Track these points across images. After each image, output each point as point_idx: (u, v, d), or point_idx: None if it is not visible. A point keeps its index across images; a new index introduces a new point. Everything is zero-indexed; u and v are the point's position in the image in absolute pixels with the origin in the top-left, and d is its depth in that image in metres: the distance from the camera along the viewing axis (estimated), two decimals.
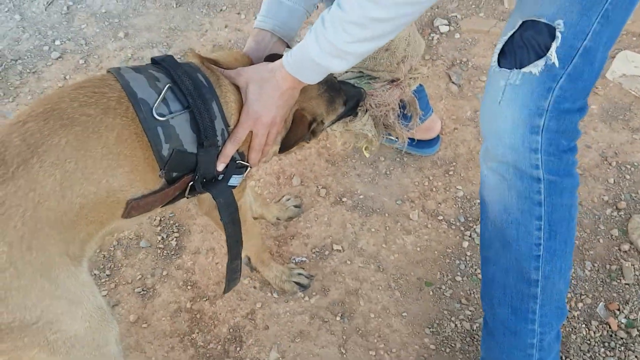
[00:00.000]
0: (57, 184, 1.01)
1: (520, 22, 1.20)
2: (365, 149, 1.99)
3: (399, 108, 1.90)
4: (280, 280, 1.78)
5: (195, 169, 1.22)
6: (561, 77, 1.17)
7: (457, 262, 1.89)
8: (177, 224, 2.00)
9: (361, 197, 2.07)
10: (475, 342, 1.71)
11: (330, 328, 1.73)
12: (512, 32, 1.21)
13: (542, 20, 1.17)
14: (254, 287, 1.82)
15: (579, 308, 1.76)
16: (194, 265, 1.89)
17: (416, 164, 2.16)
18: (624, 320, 1.73)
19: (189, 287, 1.83)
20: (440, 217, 2.01)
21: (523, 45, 1.19)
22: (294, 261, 1.88)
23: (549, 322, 1.36)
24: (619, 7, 1.17)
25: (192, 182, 1.24)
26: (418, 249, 1.93)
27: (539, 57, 1.17)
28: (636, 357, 1.66)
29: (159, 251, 1.93)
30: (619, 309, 1.75)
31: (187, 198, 1.31)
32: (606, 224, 1.97)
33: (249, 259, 1.76)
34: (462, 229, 1.98)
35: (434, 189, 2.09)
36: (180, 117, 1.16)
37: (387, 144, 2.17)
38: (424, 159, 2.18)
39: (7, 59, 2.68)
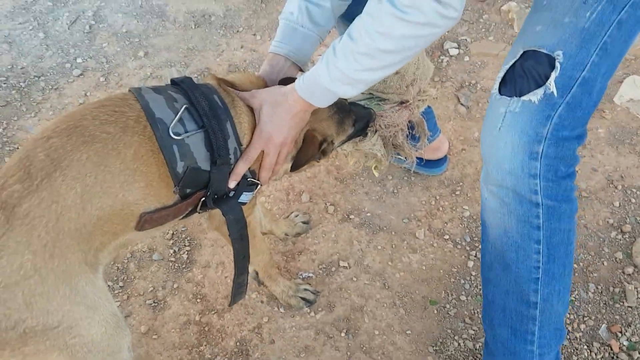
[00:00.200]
0: (78, 197, 1.07)
1: (521, 52, 1.25)
2: (375, 168, 2.03)
3: (408, 129, 1.95)
4: (287, 295, 1.82)
5: (208, 186, 1.27)
6: (560, 106, 1.21)
7: (462, 281, 1.92)
8: (188, 238, 2.06)
9: (368, 214, 2.11)
10: None
11: (335, 344, 1.77)
12: (513, 61, 1.26)
13: (543, 50, 1.22)
14: (261, 302, 1.86)
15: (582, 330, 1.78)
16: (203, 279, 1.94)
17: (423, 183, 2.21)
18: (625, 343, 1.74)
19: (198, 300, 1.88)
20: (446, 237, 2.05)
21: (523, 74, 1.24)
22: (301, 277, 1.93)
23: (547, 344, 1.39)
24: (617, 40, 1.21)
25: (204, 198, 1.30)
26: (423, 267, 1.96)
27: (539, 86, 1.21)
28: None
29: (170, 264, 1.99)
30: (621, 332, 1.77)
31: (199, 213, 1.37)
32: (611, 247, 1.99)
33: (257, 273, 1.81)
34: (468, 248, 2.01)
35: (441, 209, 2.13)
36: (195, 136, 1.22)
37: (395, 163, 2.22)
38: (431, 178, 2.22)
39: (30, 75, 2.78)
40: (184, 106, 1.23)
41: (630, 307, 1.83)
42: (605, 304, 1.85)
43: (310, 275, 1.94)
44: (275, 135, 1.33)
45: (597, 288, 1.89)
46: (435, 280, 1.93)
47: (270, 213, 2.01)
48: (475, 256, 1.98)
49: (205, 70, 2.76)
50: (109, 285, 1.93)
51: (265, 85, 1.47)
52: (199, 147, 1.23)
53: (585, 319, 1.81)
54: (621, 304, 1.84)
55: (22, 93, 2.68)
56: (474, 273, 1.94)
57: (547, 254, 1.31)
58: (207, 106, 1.25)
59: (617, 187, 2.17)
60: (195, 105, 1.25)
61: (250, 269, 1.74)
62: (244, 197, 1.39)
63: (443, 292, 1.90)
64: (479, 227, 2.05)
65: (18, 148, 2.40)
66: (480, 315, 1.83)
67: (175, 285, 1.93)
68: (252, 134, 1.35)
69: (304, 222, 2.04)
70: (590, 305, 1.85)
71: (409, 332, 1.80)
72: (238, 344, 1.77)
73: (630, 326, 1.79)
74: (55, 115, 2.57)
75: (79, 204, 1.07)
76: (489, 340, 1.50)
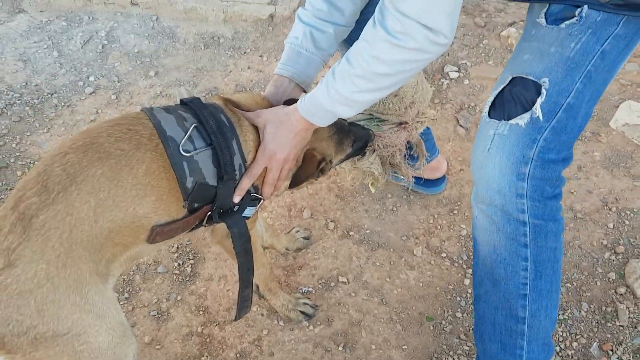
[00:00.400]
0: (91, 210, 1.13)
1: (510, 78, 1.32)
2: (372, 185, 2.10)
3: (406, 149, 2.02)
4: (287, 308, 1.87)
5: (214, 200, 1.34)
6: (546, 130, 1.28)
7: (458, 298, 1.97)
8: (193, 252, 2.12)
9: (368, 231, 2.17)
10: None
11: (333, 357, 1.81)
12: (502, 86, 1.33)
13: (530, 77, 1.29)
14: (262, 315, 1.92)
15: (574, 347, 1.82)
16: (206, 292, 2.00)
17: (422, 202, 2.27)
18: None
19: (200, 312, 1.94)
20: (444, 255, 2.10)
21: (512, 99, 1.31)
22: (300, 291, 1.98)
23: (535, 358, 1.44)
24: (601, 69, 1.28)
25: (210, 212, 1.36)
26: (421, 284, 2.01)
27: (526, 110, 1.28)
28: None
29: (174, 277, 2.05)
30: (612, 350, 1.81)
31: (205, 227, 1.43)
32: (604, 267, 2.04)
33: (257, 287, 1.87)
34: (465, 266, 2.06)
35: (439, 227, 2.19)
36: (203, 153, 1.29)
37: (394, 181, 2.28)
38: (430, 197, 2.28)
39: (44, 93, 2.88)
40: (193, 125, 1.30)
41: (622, 326, 1.87)
42: (597, 322, 1.89)
43: (310, 289, 1.99)
44: (278, 152, 1.40)
45: (589, 307, 1.93)
46: (431, 297, 1.97)
47: (272, 228, 2.08)
48: (472, 274, 2.02)
49: (213, 89, 2.85)
50: None
51: (270, 106, 1.53)
52: (207, 163, 1.30)
53: (578, 337, 1.85)
54: (613, 322, 1.88)
55: (35, 109, 2.77)
56: (469, 291, 1.99)
57: (535, 270, 1.37)
58: (214, 125, 1.32)
59: (612, 209, 2.22)
60: (203, 124, 1.31)
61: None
62: (248, 211, 1.45)
63: (439, 308, 1.95)
64: None
65: (30, 162, 2.48)
66: None
67: (178, 298, 1.99)
68: (257, 151, 1.42)
69: (304, 238, 2.10)
70: (582, 324, 1.89)
71: (405, 347, 1.84)
72: (238, 355, 1.82)
73: (621, 345, 1.82)
74: (67, 131, 2.66)
75: (92, 216, 1.14)
76: (480, 354, 1.55)
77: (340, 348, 1.83)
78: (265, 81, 2.88)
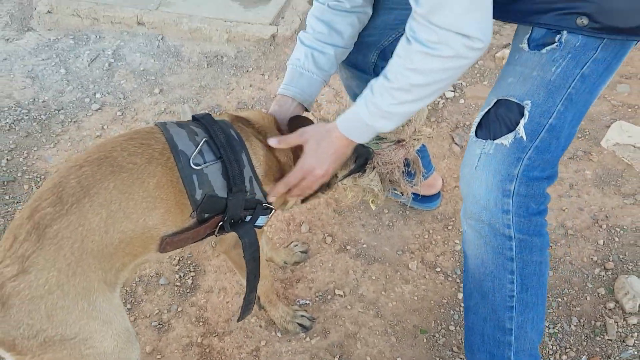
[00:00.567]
0: (102, 222, 1.20)
1: (495, 100, 1.39)
2: (372, 202, 2.17)
3: (404, 166, 2.09)
4: (285, 320, 1.93)
5: (225, 211, 1.40)
6: (529, 149, 1.34)
7: (452, 312, 2.02)
8: (194, 264, 2.18)
9: (364, 246, 2.23)
10: None
11: None
12: (488, 108, 1.40)
13: (513, 99, 1.36)
14: (260, 326, 1.97)
15: None
16: (206, 303, 2.06)
17: (417, 217, 2.33)
18: None
19: (200, 323, 2.00)
20: (438, 269, 2.16)
21: (497, 120, 1.37)
22: (298, 303, 2.04)
23: None
24: (582, 92, 1.35)
25: (221, 222, 1.42)
26: (415, 297, 2.07)
27: (510, 131, 1.35)
28: None
29: (176, 288, 2.11)
30: None
31: (216, 236, 1.49)
32: (594, 283, 2.09)
33: (259, 298, 1.92)
34: (458, 281, 2.12)
35: (433, 242, 2.25)
36: (213, 166, 1.35)
37: (393, 197, 2.35)
38: (425, 213, 2.34)
39: (51, 109, 2.96)
40: (204, 139, 1.37)
41: (611, 340, 1.92)
42: (586, 336, 1.94)
43: (307, 302, 2.05)
44: (317, 167, 1.46)
45: (579, 321, 1.98)
46: (426, 311, 2.03)
47: (271, 242, 2.14)
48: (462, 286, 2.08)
49: (216, 106, 2.94)
50: None
51: (275, 122, 1.60)
52: (217, 176, 1.36)
53: (567, 350, 1.90)
54: (602, 337, 1.93)
55: (42, 125, 2.85)
56: (463, 304, 2.04)
57: (521, 283, 1.42)
58: (224, 139, 1.38)
59: (602, 226, 2.28)
60: (213, 139, 1.38)
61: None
62: (261, 220, 1.51)
63: (433, 321, 2.00)
64: None
65: (37, 176, 2.55)
66: None
67: (179, 309, 2.05)
68: (267, 164, 1.48)
69: (302, 252, 2.16)
70: (572, 338, 1.94)
71: (399, 359, 1.89)
72: None
73: (609, 358, 1.87)
74: (73, 146, 2.73)
75: (103, 227, 1.20)
76: None
77: (336, 359, 1.88)
78: (266, 99, 2.97)
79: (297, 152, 1.54)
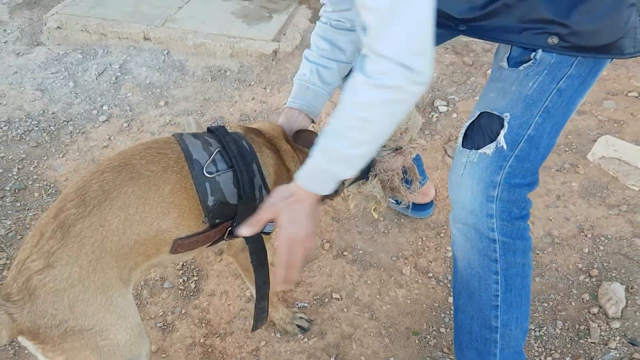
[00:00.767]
0: (121, 224, 1.29)
1: (478, 113, 1.50)
2: (374, 210, 2.27)
3: (402, 173, 2.20)
4: (284, 322, 2.02)
5: (235, 217, 1.49)
6: (510, 158, 1.45)
7: (442, 315, 2.12)
8: (197, 269, 2.28)
9: (360, 252, 2.34)
10: None
11: None
12: (472, 120, 1.52)
13: (494, 112, 1.46)
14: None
15: None
16: (209, 306, 2.15)
17: (411, 225, 2.44)
18: None
19: (203, 325, 2.09)
20: (430, 274, 2.26)
21: (480, 131, 1.48)
22: (296, 306, 2.14)
23: None
24: (559, 105, 1.46)
25: (230, 228, 1.51)
26: (408, 301, 2.17)
27: (492, 141, 1.46)
28: None
29: (179, 292, 2.21)
30: None
31: (225, 240, 1.58)
32: (579, 289, 2.19)
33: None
34: (449, 286, 2.22)
35: (426, 249, 2.35)
36: (225, 174, 1.45)
37: (391, 207, 2.45)
38: (419, 221, 2.45)
39: (60, 120, 3.07)
40: (217, 149, 1.47)
41: (594, 342, 2.01)
42: (571, 339, 2.03)
43: (306, 305, 2.15)
44: (299, 231, 1.36)
45: (564, 325, 2.08)
46: (418, 314, 2.13)
47: (272, 248, 2.24)
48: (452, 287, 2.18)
49: (219, 118, 3.05)
50: None
51: (283, 133, 1.71)
52: (228, 184, 1.45)
53: (552, 352, 1.99)
54: (585, 340, 2.03)
55: (52, 136, 2.96)
56: (453, 305, 2.13)
57: (505, 284, 1.52)
58: (236, 150, 1.48)
59: (587, 236, 2.38)
60: (226, 149, 1.48)
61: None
62: (268, 227, 1.58)
63: (425, 324, 2.09)
64: None
65: (47, 184, 2.66)
66: None
67: (183, 311, 2.14)
68: (276, 173, 1.57)
69: None
70: (557, 340, 2.03)
71: (392, 359, 1.99)
72: None
73: None
74: (81, 156, 2.84)
75: (121, 229, 1.29)
76: None
77: (332, 359, 1.98)
78: (268, 111, 3.08)
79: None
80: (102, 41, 3.68)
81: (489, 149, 1.45)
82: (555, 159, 2.74)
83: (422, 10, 1.07)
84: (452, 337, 2.03)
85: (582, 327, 2.06)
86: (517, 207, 1.49)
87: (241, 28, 3.66)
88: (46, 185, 2.66)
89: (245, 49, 3.47)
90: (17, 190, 2.61)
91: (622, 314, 2.08)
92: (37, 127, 3.01)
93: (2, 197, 2.56)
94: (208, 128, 1.58)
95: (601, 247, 2.33)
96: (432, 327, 2.08)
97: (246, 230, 1.39)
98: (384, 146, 2.15)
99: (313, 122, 1.82)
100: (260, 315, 1.67)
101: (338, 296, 2.18)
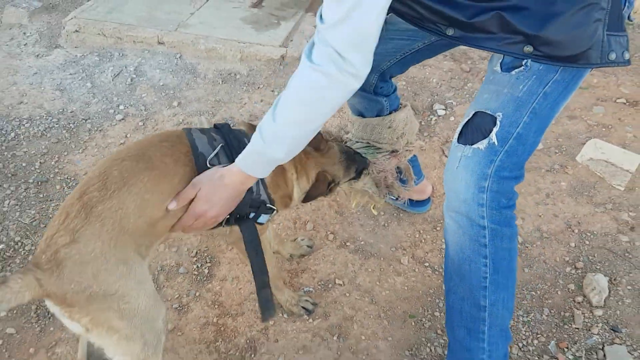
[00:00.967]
0: (137, 207, 1.45)
1: (473, 112, 1.67)
2: (373, 207, 2.44)
3: (397, 173, 2.37)
4: (290, 304, 2.19)
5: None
6: (500, 153, 1.61)
7: (437, 300, 2.29)
8: (209, 256, 2.45)
9: (362, 243, 2.51)
10: None
11: (328, 345, 2.12)
12: (467, 119, 1.68)
13: (488, 112, 1.63)
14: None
15: (534, 344, 2.13)
16: (221, 290, 2.32)
17: (410, 219, 2.61)
18: (570, 357, 2.08)
19: (216, 306, 2.25)
20: (426, 264, 2.43)
21: (474, 128, 1.64)
22: (302, 290, 2.30)
23: (495, 342, 1.74)
24: (544, 107, 1.61)
25: (228, 216, 1.67)
26: (406, 288, 2.33)
27: (485, 137, 1.62)
28: None
29: (194, 277, 2.37)
30: (567, 348, 2.11)
31: (223, 227, 1.75)
32: (565, 279, 2.36)
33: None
34: (444, 274, 2.38)
35: (423, 241, 2.52)
36: None
37: (390, 202, 2.62)
38: (417, 215, 2.62)
39: (78, 118, 3.24)
40: (220, 145, 1.64)
41: (577, 328, 2.18)
42: (556, 325, 2.20)
43: (311, 289, 2.31)
44: (209, 210, 1.56)
45: (550, 312, 2.24)
46: (414, 299, 2.29)
47: (279, 237, 2.41)
48: (443, 270, 2.34)
49: (229, 119, 3.23)
50: None
51: None
52: None
53: (539, 336, 2.16)
54: (570, 325, 2.19)
55: (71, 133, 3.13)
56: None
57: (493, 266, 1.68)
58: (237, 145, 1.64)
59: (574, 231, 2.55)
60: (229, 144, 1.66)
61: None
62: (262, 218, 1.76)
63: (421, 308, 2.26)
64: None
65: (67, 177, 2.82)
66: None
67: (197, 294, 2.31)
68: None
69: (308, 246, 2.43)
70: (543, 325, 2.20)
71: (390, 339, 2.15)
72: (248, 341, 2.13)
73: (575, 344, 2.13)
74: (99, 152, 3.01)
75: (137, 212, 1.45)
76: (450, 340, 1.85)
77: (334, 338, 2.14)
78: None
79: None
80: (117, 45, 3.85)
81: (482, 145, 1.61)
82: (545, 159, 2.91)
83: (371, 20, 1.25)
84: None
85: (567, 314, 2.23)
86: (505, 198, 1.66)
87: (251, 34, 3.83)
88: (67, 178, 2.83)
89: (255, 53, 3.64)
90: (39, 183, 2.78)
91: (605, 303, 2.25)
92: (57, 124, 3.17)
93: (26, 189, 2.73)
94: (214, 125, 1.74)
95: (587, 242, 2.50)
96: (427, 311, 2.25)
97: (172, 204, 1.52)
98: (380, 149, 2.32)
99: None
100: (266, 305, 1.75)
101: (341, 282, 2.34)
